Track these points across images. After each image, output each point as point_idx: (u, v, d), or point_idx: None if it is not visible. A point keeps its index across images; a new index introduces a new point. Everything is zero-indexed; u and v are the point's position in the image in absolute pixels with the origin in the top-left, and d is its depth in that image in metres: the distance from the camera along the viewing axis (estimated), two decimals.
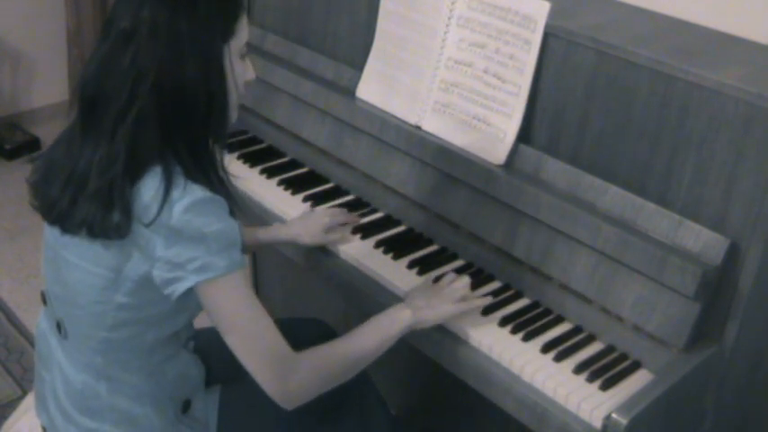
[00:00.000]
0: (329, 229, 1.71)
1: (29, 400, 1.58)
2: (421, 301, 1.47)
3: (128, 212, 1.20)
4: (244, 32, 1.30)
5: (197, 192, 1.21)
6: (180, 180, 1.21)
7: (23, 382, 2.42)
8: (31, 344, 2.57)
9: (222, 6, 1.25)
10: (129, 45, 1.20)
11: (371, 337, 1.39)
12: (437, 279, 1.57)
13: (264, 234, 1.72)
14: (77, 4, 3.68)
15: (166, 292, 1.25)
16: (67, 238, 1.27)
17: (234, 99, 1.31)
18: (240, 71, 1.31)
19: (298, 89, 2.00)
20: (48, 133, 3.79)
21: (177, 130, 1.23)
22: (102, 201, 1.20)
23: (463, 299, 1.49)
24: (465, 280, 1.53)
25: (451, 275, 1.56)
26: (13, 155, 3.62)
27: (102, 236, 1.21)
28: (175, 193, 1.20)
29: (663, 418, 1.37)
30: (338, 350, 1.36)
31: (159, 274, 1.23)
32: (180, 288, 1.23)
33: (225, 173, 1.31)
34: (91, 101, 1.24)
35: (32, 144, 3.67)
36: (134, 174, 1.20)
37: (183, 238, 1.20)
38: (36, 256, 3.00)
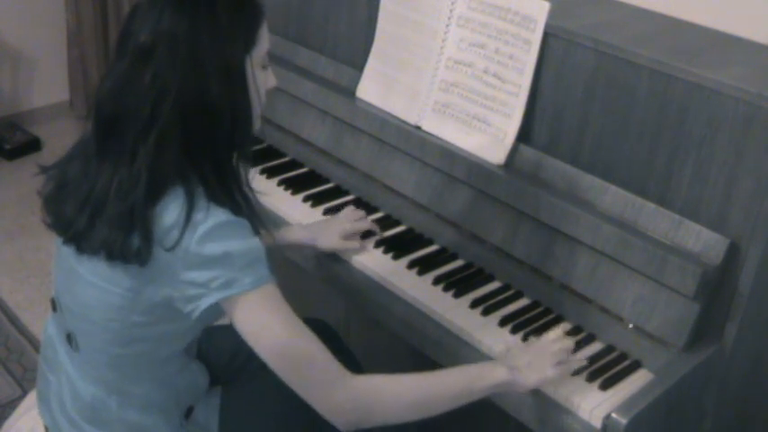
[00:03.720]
0: (347, 236, 1.68)
1: (29, 400, 1.57)
2: (522, 360, 1.34)
3: (148, 238, 1.16)
4: (265, 41, 1.26)
5: (220, 215, 1.18)
6: (202, 202, 1.18)
7: (23, 382, 2.42)
8: (32, 344, 2.57)
9: (243, 14, 1.21)
10: (148, 62, 1.15)
11: (451, 381, 1.30)
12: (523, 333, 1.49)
13: (282, 237, 1.68)
14: (77, 4, 3.68)
15: (187, 310, 1.22)
16: (84, 256, 1.23)
17: (257, 110, 1.28)
18: (262, 81, 1.27)
19: (298, 89, 2.00)
20: (48, 133, 3.79)
21: (201, 148, 1.20)
22: (121, 225, 1.17)
23: (563, 361, 1.36)
24: (568, 343, 1.40)
25: (554, 334, 1.42)
26: (13, 155, 3.61)
27: (121, 260, 1.18)
28: (198, 216, 1.17)
29: (663, 417, 1.37)
30: (408, 382, 1.28)
31: (180, 295, 1.21)
32: (202, 305, 1.20)
33: (250, 189, 1.27)
34: (109, 120, 1.19)
35: (32, 144, 3.66)
36: (154, 196, 1.17)
37: (207, 260, 1.17)
38: (36, 256, 3.00)
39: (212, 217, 1.17)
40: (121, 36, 1.21)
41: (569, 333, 1.49)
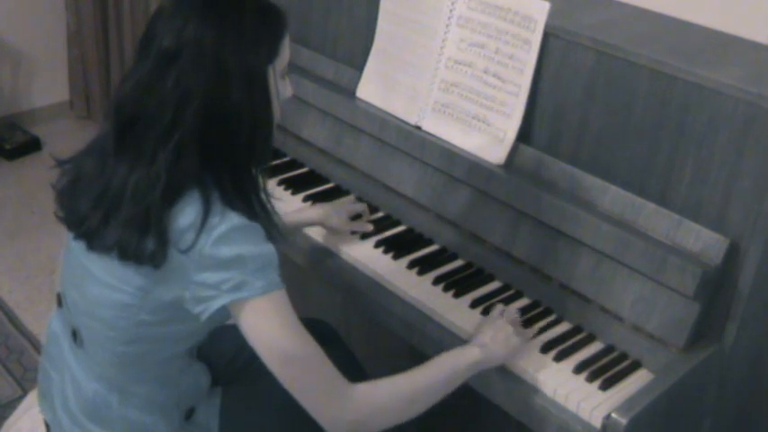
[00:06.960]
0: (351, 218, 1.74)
1: (29, 400, 1.58)
2: (486, 337, 1.41)
3: (163, 240, 1.16)
4: (287, 52, 1.27)
5: (234, 219, 1.18)
6: (217, 206, 1.18)
7: (23, 382, 2.42)
8: (32, 344, 2.57)
9: (268, 25, 1.22)
10: (172, 66, 1.16)
11: (438, 372, 1.33)
12: (484, 311, 1.55)
13: (290, 218, 1.68)
14: (77, 4, 3.68)
15: (197, 310, 1.22)
16: (95, 253, 1.23)
17: (276, 120, 1.28)
18: (282, 91, 1.29)
19: (298, 89, 1.99)
20: (48, 133, 3.79)
21: (220, 153, 1.20)
22: (136, 226, 1.17)
23: (517, 327, 1.45)
24: (513, 311, 1.50)
25: (499, 307, 1.51)
26: (13, 155, 3.61)
27: (134, 261, 1.18)
28: (213, 221, 1.17)
29: (663, 417, 1.37)
30: (401, 383, 1.29)
31: (191, 295, 1.21)
32: (212, 307, 1.20)
33: (267, 195, 1.28)
34: (129, 121, 1.19)
35: (32, 144, 3.66)
36: (171, 199, 1.17)
37: (220, 262, 1.17)
38: (36, 256, 3.00)
39: (227, 221, 1.18)
40: (144, 38, 1.21)
41: (569, 333, 1.50)
